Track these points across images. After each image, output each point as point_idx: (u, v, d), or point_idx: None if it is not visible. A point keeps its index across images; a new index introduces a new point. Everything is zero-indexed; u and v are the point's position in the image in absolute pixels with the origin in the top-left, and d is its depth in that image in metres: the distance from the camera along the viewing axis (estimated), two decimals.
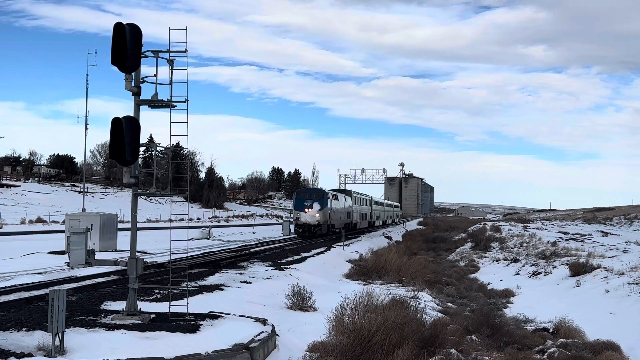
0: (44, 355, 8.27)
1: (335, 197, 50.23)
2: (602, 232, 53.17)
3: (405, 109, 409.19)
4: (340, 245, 37.59)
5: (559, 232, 51.38)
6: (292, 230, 48.19)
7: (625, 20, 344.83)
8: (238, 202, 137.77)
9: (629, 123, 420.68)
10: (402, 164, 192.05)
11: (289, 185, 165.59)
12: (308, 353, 10.69)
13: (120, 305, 11.80)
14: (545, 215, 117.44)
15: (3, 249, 28.43)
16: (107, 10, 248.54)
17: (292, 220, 49.81)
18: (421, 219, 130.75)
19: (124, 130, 10.29)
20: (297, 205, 45.59)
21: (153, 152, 13.15)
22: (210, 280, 17.82)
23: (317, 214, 44.32)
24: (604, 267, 24.83)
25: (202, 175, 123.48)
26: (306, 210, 44.46)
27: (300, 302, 15.30)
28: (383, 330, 10.46)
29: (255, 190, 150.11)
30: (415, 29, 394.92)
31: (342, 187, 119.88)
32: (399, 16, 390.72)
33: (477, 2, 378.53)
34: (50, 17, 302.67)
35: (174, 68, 11.16)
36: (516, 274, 30.11)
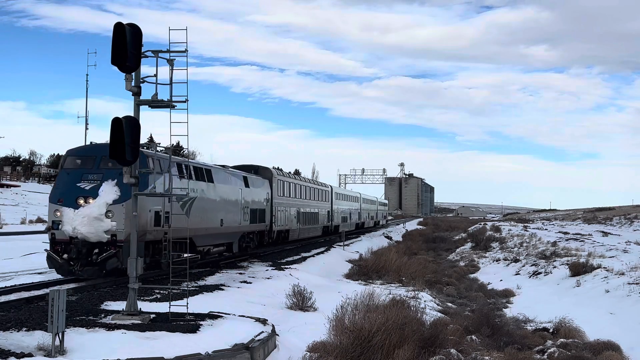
0: (44, 355, 8.26)
1: (201, 176, 20.85)
2: (602, 232, 53.15)
3: (406, 108, 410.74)
4: (340, 245, 37.62)
5: (559, 232, 51.39)
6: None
7: (627, 20, 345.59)
8: None
9: (630, 123, 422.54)
10: (402, 164, 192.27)
11: None
12: (308, 353, 10.70)
13: (120, 305, 11.80)
14: (545, 215, 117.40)
15: (3, 249, 28.41)
16: (108, 10, 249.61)
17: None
18: (421, 219, 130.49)
19: (124, 130, 10.30)
20: (59, 190, 16.88)
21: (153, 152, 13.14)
22: (210, 280, 17.82)
23: (108, 214, 15.93)
24: (604, 267, 24.85)
25: None
26: (80, 202, 16.15)
27: (301, 302, 15.30)
28: (383, 331, 10.46)
29: None
30: (416, 29, 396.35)
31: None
32: (400, 16, 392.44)
33: (479, 2, 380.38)
34: (52, 17, 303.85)
35: (174, 68, 11.17)
36: (516, 274, 30.12)
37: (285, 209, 33.27)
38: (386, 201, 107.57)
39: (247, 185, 26.11)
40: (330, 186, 50.54)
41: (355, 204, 61.83)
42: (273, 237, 30.79)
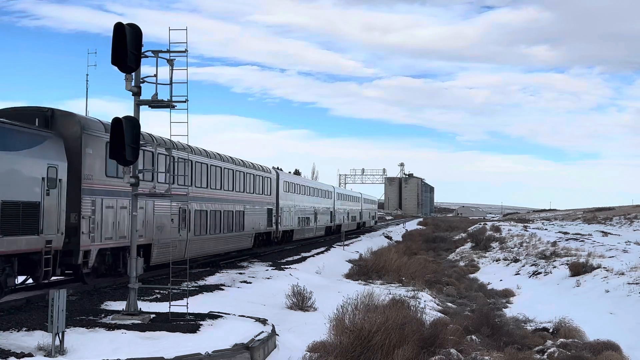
0: (44, 355, 8.27)
1: None
2: (602, 232, 53.13)
3: (406, 109, 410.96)
4: (340, 245, 37.60)
5: (559, 232, 51.34)
6: None
7: (628, 20, 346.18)
8: None
9: (630, 123, 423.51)
10: (402, 164, 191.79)
11: None
12: (308, 353, 10.70)
13: (120, 305, 11.80)
14: (545, 215, 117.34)
15: None
16: (109, 11, 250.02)
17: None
18: (421, 219, 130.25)
19: (124, 130, 10.31)
20: None
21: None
22: (210, 280, 17.82)
23: None
24: (604, 267, 24.85)
25: None
26: None
27: (300, 302, 15.31)
28: (383, 330, 10.46)
29: None
30: (417, 29, 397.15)
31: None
32: (401, 16, 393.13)
33: (480, 1, 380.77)
34: (52, 17, 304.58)
35: (174, 68, 11.19)
36: (516, 274, 30.12)
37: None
38: (375, 198, 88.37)
39: None
40: (276, 172, 33.91)
41: (325, 201, 46.98)
42: (89, 264, 14.57)
